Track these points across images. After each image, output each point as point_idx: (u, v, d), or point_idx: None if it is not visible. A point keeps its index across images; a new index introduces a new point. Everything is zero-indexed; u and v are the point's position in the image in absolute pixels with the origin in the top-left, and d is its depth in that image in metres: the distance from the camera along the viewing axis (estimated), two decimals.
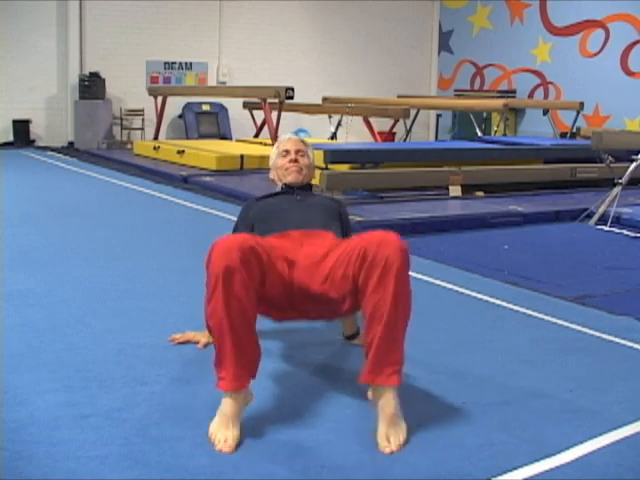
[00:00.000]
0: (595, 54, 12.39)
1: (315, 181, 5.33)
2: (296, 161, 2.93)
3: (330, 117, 11.55)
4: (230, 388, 2.18)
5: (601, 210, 6.12)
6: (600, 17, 12.25)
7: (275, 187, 3.05)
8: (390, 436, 2.13)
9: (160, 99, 10.91)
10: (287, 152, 2.96)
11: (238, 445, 2.10)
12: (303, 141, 3.03)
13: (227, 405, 2.18)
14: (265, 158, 8.33)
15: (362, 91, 13.58)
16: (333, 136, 11.45)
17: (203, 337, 2.94)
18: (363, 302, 2.25)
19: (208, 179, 7.97)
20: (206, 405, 2.35)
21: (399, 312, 2.21)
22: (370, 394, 2.27)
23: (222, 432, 2.13)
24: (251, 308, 2.21)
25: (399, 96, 13.51)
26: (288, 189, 2.95)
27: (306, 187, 2.99)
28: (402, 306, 2.22)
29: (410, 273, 2.30)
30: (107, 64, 11.93)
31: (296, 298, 2.46)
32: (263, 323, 3.04)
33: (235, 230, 2.94)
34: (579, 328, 3.33)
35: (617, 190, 6.17)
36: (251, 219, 2.87)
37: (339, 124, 11.41)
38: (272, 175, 3.06)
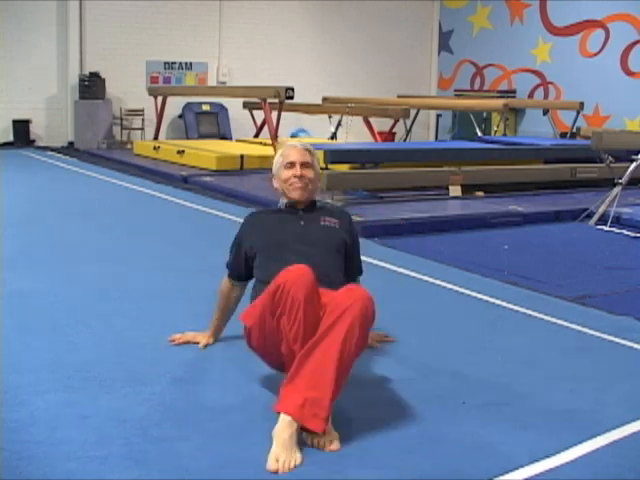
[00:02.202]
0: (595, 54, 12.39)
1: None
2: (302, 177, 2.75)
3: (330, 117, 11.54)
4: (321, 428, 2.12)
5: (601, 210, 6.12)
6: (600, 17, 12.25)
7: (278, 197, 2.90)
8: (280, 458, 2.03)
9: (160, 99, 10.90)
10: (292, 164, 2.76)
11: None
12: (309, 150, 2.83)
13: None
14: (265, 158, 8.42)
15: (362, 91, 13.57)
16: (333, 136, 11.45)
17: (203, 338, 2.93)
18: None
19: (208, 179, 7.96)
20: (206, 405, 2.35)
21: (343, 349, 2.15)
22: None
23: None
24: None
25: (399, 96, 13.51)
26: (292, 208, 2.81)
27: (311, 205, 2.84)
28: (346, 351, 2.16)
29: (372, 321, 2.29)
30: (107, 64, 11.93)
31: None
32: None
33: (233, 248, 2.85)
34: (579, 328, 3.33)
35: (617, 190, 6.17)
36: (251, 242, 2.77)
37: (339, 124, 11.41)
38: (275, 185, 2.86)
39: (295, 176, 2.75)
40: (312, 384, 2.12)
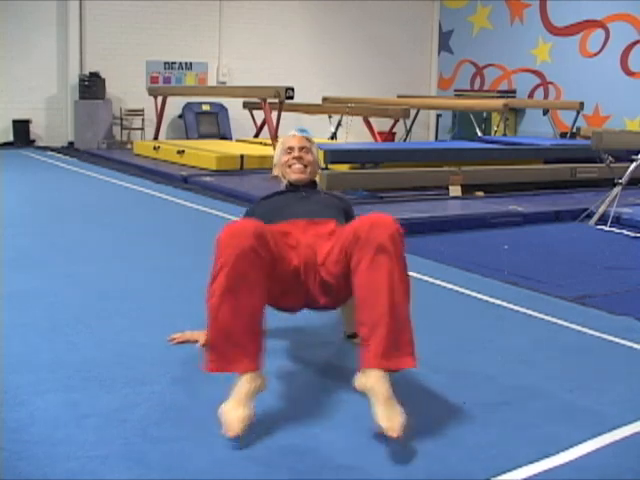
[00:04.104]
0: (595, 54, 12.39)
1: (317, 179, 5.33)
2: (300, 158, 2.91)
3: (330, 117, 11.55)
4: (251, 368, 2.18)
5: (601, 210, 6.12)
6: (600, 17, 12.25)
7: (280, 184, 3.04)
8: (393, 417, 2.05)
9: (160, 99, 10.91)
10: (291, 149, 2.93)
11: (247, 427, 2.10)
12: (308, 138, 3.00)
13: (243, 386, 2.17)
14: (265, 158, 8.42)
15: (362, 91, 13.57)
16: (333, 136, 11.45)
17: (202, 336, 2.93)
18: (355, 284, 2.26)
19: (208, 179, 7.96)
20: (206, 405, 2.34)
21: (400, 292, 2.20)
22: (359, 382, 2.20)
23: (234, 412, 2.11)
24: (263, 292, 2.25)
25: (399, 96, 13.51)
26: (293, 187, 2.94)
27: (311, 185, 2.98)
28: (402, 286, 2.22)
29: (406, 256, 2.32)
30: (107, 64, 11.93)
31: (300, 280, 2.47)
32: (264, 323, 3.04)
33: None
34: (579, 328, 3.33)
35: (617, 190, 6.17)
36: (257, 216, 2.83)
37: (339, 124, 11.41)
38: (276, 172, 3.03)
39: (294, 157, 2.90)
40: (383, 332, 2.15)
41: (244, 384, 2.18)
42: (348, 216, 2.94)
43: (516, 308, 3.63)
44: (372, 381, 2.14)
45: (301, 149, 2.93)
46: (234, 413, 2.12)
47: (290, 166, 2.92)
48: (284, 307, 2.66)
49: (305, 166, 2.92)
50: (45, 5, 11.59)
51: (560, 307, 3.66)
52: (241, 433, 2.09)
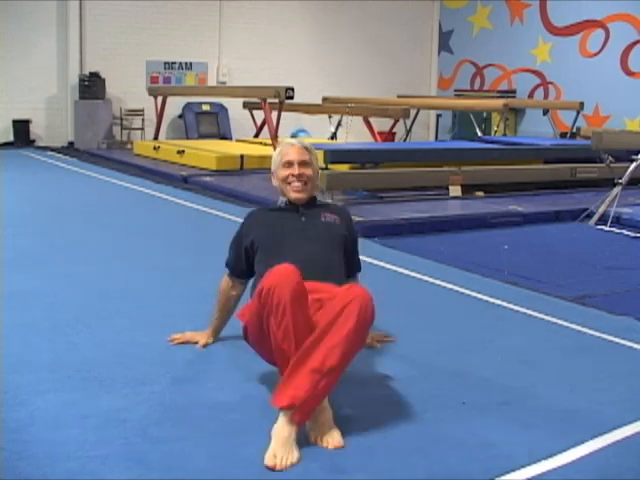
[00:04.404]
0: (595, 54, 12.39)
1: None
2: (300, 175, 2.74)
3: (330, 117, 11.54)
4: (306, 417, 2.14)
5: (601, 210, 6.12)
6: (600, 17, 12.25)
7: (278, 194, 2.92)
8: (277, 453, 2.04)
9: (160, 99, 10.91)
10: (290, 164, 2.76)
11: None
12: (308, 148, 2.82)
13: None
14: (265, 158, 8.41)
15: (362, 91, 13.57)
16: (333, 136, 11.45)
17: (202, 337, 2.94)
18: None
19: (208, 179, 7.96)
20: (206, 405, 2.35)
21: (336, 347, 2.15)
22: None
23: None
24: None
25: (399, 96, 13.51)
26: (292, 206, 2.81)
27: (310, 201, 2.84)
28: (346, 344, 2.17)
29: (372, 321, 2.28)
30: (107, 64, 11.93)
31: None
32: None
33: (233, 245, 2.86)
34: (579, 328, 3.33)
35: (617, 190, 6.17)
36: (252, 237, 2.77)
37: (339, 124, 11.40)
38: (275, 183, 2.86)
39: (293, 175, 2.75)
40: (311, 380, 2.11)
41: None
42: (349, 233, 2.85)
43: (516, 308, 3.63)
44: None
45: (301, 164, 2.75)
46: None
47: (290, 183, 2.76)
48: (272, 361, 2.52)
49: (305, 183, 2.76)
50: (45, 5, 11.59)
51: (560, 307, 3.66)
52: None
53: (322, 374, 2.12)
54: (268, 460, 2.00)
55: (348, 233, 2.84)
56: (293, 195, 2.78)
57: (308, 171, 2.77)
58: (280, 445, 2.04)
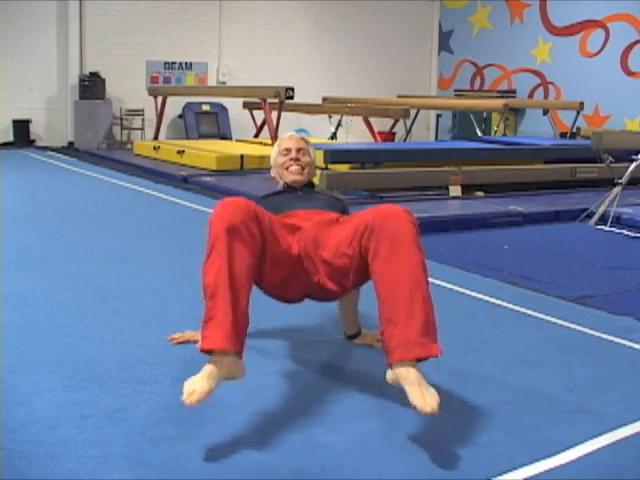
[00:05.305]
0: (595, 54, 12.39)
1: (315, 180, 5.33)
2: (297, 160, 2.91)
3: (330, 117, 11.54)
4: (219, 345, 2.07)
5: (601, 210, 6.12)
6: (600, 17, 12.25)
7: (277, 185, 3.04)
8: (427, 396, 2.03)
9: (160, 99, 10.91)
10: (288, 150, 2.92)
11: (204, 400, 2.01)
12: (304, 139, 3.01)
13: (208, 369, 2.07)
14: (265, 158, 8.40)
15: (362, 91, 13.58)
16: (333, 136, 11.45)
17: None
18: (375, 277, 2.24)
19: (208, 179, 7.97)
20: (206, 405, 2.34)
21: (422, 281, 2.23)
22: (390, 375, 2.16)
23: (195, 384, 2.01)
24: (250, 269, 2.22)
25: (399, 96, 13.51)
26: (290, 188, 2.93)
27: (308, 185, 2.98)
28: (423, 275, 2.24)
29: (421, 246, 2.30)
30: (107, 64, 11.94)
31: (299, 266, 2.47)
32: (264, 323, 3.04)
33: None
34: (579, 328, 3.33)
35: (617, 190, 6.17)
36: None
37: (339, 124, 11.40)
38: (273, 173, 3.03)
39: (292, 159, 2.89)
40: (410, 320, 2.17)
41: (216, 367, 2.07)
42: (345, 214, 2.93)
43: (516, 308, 3.63)
44: (403, 371, 2.12)
45: (298, 150, 2.92)
46: (199, 385, 2.02)
47: (287, 168, 2.91)
48: (287, 296, 2.65)
49: (302, 167, 2.91)
50: (45, 5, 11.60)
51: (560, 307, 3.66)
52: (196, 405, 2.01)
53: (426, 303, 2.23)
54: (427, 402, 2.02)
55: (344, 214, 2.92)
56: (291, 177, 2.90)
57: (305, 158, 2.93)
58: (422, 387, 2.06)
